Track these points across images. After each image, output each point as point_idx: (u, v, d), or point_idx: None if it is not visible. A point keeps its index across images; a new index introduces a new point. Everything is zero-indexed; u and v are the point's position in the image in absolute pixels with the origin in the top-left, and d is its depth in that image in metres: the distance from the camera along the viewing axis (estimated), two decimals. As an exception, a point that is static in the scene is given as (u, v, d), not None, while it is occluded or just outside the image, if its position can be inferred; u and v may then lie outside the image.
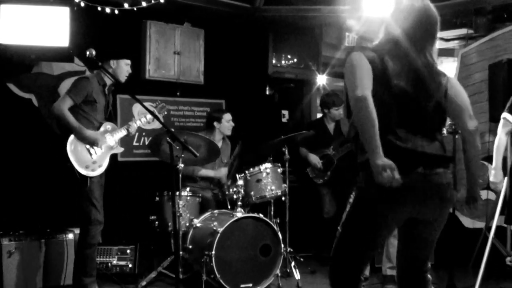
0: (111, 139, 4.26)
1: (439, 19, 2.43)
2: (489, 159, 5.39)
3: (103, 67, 3.84)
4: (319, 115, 6.21)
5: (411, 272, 2.58)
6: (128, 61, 4.31)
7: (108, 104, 4.34)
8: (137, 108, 5.82)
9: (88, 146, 4.10)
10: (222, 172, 5.26)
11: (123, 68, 4.28)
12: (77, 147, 4.05)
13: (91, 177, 4.08)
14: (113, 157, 5.35)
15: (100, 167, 4.17)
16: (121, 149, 4.39)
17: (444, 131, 4.53)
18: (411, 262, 2.57)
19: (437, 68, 2.45)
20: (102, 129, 4.23)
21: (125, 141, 5.74)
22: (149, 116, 4.42)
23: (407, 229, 2.49)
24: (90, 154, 4.11)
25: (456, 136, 4.51)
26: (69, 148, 4.00)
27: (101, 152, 4.17)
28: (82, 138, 4.06)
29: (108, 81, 4.25)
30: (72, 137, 4.03)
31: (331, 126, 5.71)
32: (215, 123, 5.29)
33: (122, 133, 4.34)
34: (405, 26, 2.37)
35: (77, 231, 4.36)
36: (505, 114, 4.05)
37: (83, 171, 4.04)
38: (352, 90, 2.21)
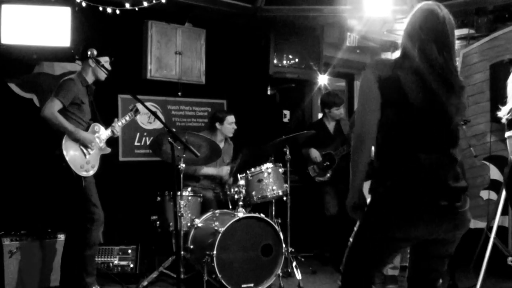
0: (100, 140, 4.28)
1: (452, 27, 2.29)
2: (490, 159, 5.40)
3: (98, 64, 3.86)
4: (320, 115, 6.21)
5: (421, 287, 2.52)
6: (107, 58, 4.29)
7: (92, 105, 4.34)
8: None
9: (82, 147, 4.11)
10: (224, 171, 5.26)
11: (100, 70, 4.25)
12: (71, 147, 4.06)
13: (85, 177, 4.09)
14: (115, 156, 5.37)
15: (93, 167, 4.19)
16: (109, 150, 4.39)
17: None
18: (423, 278, 2.48)
19: (460, 80, 2.32)
20: (90, 130, 4.25)
21: (126, 141, 5.78)
22: (129, 115, 4.47)
23: (419, 247, 2.42)
24: (84, 154, 4.12)
25: (464, 127, 4.47)
26: (64, 148, 4.01)
27: (93, 152, 4.18)
28: (77, 140, 4.07)
29: (90, 81, 4.28)
30: (66, 137, 4.04)
31: (331, 126, 5.72)
32: (217, 124, 5.29)
33: (108, 133, 4.36)
34: (421, 42, 2.24)
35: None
36: (509, 133, 3.97)
37: (78, 172, 4.05)
38: (357, 120, 2.26)
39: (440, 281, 2.48)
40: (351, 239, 2.43)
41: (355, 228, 2.42)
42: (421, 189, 2.18)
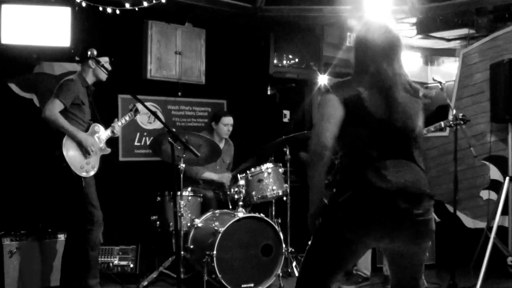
0: (100, 140, 4.28)
1: (398, 38, 2.39)
2: (490, 159, 5.40)
3: (98, 64, 3.86)
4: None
5: None
6: (107, 59, 4.29)
7: (92, 105, 4.34)
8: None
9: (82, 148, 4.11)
10: (225, 178, 5.26)
11: (100, 70, 4.25)
12: (71, 148, 4.05)
13: (85, 178, 4.09)
14: (115, 157, 5.36)
15: (93, 168, 4.18)
16: (109, 150, 4.38)
17: (442, 124, 4.53)
18: (401, 283, 2.49)
19: (413, 84, 2.43)
20: (90, 130, 4.25)
21: (126, 141, 5.78)
22: (129, 115, 4.48)
23: (391, 259, 2.46)
24: (84, 155, 4.12)
25: (464, 127, 4.48)
26: (64, 149, 4.01)
27: (94, 153, 4.18)
28: (77, 142, 4.07)
29: (90, 81, 4.28)
30: (66, 138, 4.04)
31: None
32: (212, 123, 5.31)
33: (108, 134, 4.36)
34: (370, 57, 2.35)
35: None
36: None
37: (78, 172, 4.05)
38: (314, 138, 2.30)
39: (425, 284, 2.49)
40: (307, 248, 2.43)
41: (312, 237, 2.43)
42: (379, 193, 2.21)
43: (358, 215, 2.23)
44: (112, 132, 4.38)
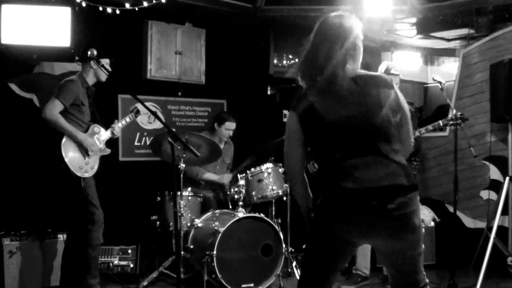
0: (99, 141, 4.28)
1: (351, 34, 2.35)
2: (490, 159, 5.40)
3: (99, 65, 3.86)
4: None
5: None
6: (107, 60, 4.29)
7: (92, 106, 4.34)
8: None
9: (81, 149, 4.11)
10: (225, 179, 5.26)
11: (101, 71, 4.24)
12: (71, 148, 4.06)
13: (84, 178, 4.09)
14: (115, 156, 5.36)
15: (92, 168, 4.19)
16: (108, 151, 4.38)
17: (440, 122, 4.52)
18: (403, 282, 2.46)
19: (373, 79, 2.33)
20: (90, 131, 4.25)
21: (126, 141, 5.78)
22: (129, 116, 4.48)
23: (379, 254, 2.49)
24: (83, 155, 4.12)
25: (461, 126, 4.45)
26: (63, 149, 4.01)
27: (94, 154, 4.18)
28: (77, 142, 4.07)
29: (90, 82, 4.28)
30: (65, 138, 4.04)
31: None
32: (215, 124, 5.32)
33: (107, 135, 4.36)
34: (314, 56, 2.33)
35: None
36: None
37: (77, 173, 4.05)
38: (285, 162, 2.47)
39: (425, 280, 2.45)
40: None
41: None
42: (348, 194, 2.23)
43: (333, 216, 2.26)
44: (112, 133, 4.38)
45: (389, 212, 2.19)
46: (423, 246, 2.37)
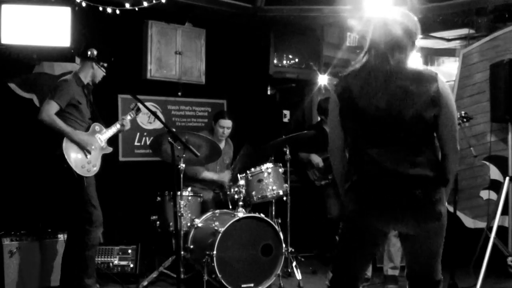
0: (101, 139, 4.27)
1: (402, 28, 2.38)
2: (490, 159, 5.40)
3: (98, 65, 3.86)
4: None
5: (418, 285, 2.58)
6: (105, 65, 4.29)
7: (91, 104, 4.33)
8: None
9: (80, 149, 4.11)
10: (225, 177, 5.26)
11: (100, 72, 4.28)
12: (72, 148, 4.05)
13: (86, 178, 4.09)
14: (115, 156, 5.36)
15: (94, 167, 4.18)
16: (110, 149, 4.38)
17: None
18: (418, 273, 2.55)
19: (416, 74, 2.37)
20: (91, 130, 4.24)
21: (126, 141, 5.78)
22: (130, 114, 4.48)
23: (404, 244, 2.55)
24: (85, 154, 4.11)
25: (465, 125, 4.45)
26: (64, 149, 4.01)
27: (94, 152, 4.18)
28: (75, 142, 4.07)
29: (85, 81, 4.27)
30: (66, 138, 4.04)
31: None
32: (212, 123, 5.33)
33: (112, 130, 4.35)
34: (371, 50, 2.42)
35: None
36: None
37: (80, 172, 4.04)
38: (329, 137, 2.60)
39: (440, 276, 2.52)
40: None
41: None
42: (377, 179, 2.33)
43: (361, 201, 2.37)
44: (122, 125, 4.37)
45: (415, 198, 2.29)
46: (443, 238, 2.47)
